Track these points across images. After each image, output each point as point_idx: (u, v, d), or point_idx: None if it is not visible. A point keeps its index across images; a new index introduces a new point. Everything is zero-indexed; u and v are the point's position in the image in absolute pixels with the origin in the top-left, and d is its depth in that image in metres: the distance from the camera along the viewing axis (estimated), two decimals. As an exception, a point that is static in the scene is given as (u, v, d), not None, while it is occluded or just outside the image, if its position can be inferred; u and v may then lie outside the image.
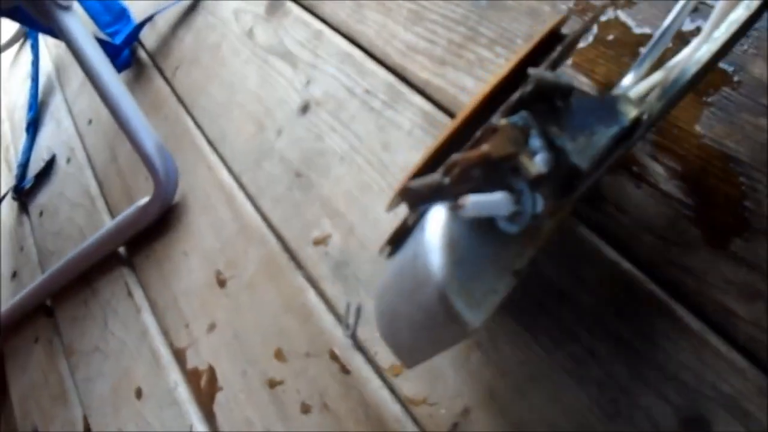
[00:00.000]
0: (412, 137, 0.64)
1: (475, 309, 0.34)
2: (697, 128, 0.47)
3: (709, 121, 0.47)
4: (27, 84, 1.57)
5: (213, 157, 0.87)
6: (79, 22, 0.98)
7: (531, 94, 0.34)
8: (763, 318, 0.41)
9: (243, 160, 0.82)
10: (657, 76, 0.44)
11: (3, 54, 1.88)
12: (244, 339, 0.71)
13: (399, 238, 0.42)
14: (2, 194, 1.44)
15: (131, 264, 0.95)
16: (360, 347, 0.61)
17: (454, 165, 0.31)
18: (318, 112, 0.75)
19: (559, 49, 0.38)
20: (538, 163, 0.33)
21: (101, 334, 0.95)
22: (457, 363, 0.53)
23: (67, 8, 0.98)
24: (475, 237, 0.36)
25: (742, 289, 0.42)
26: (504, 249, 0.36)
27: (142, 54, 1.18)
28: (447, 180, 0.31)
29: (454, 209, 0.31)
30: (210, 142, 0.89)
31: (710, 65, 0.40)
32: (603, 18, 0.55)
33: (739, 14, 0.39)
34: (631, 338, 0.45)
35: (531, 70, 0.34)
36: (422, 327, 0.37)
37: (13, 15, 1.15)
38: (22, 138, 1.46)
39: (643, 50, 0.46)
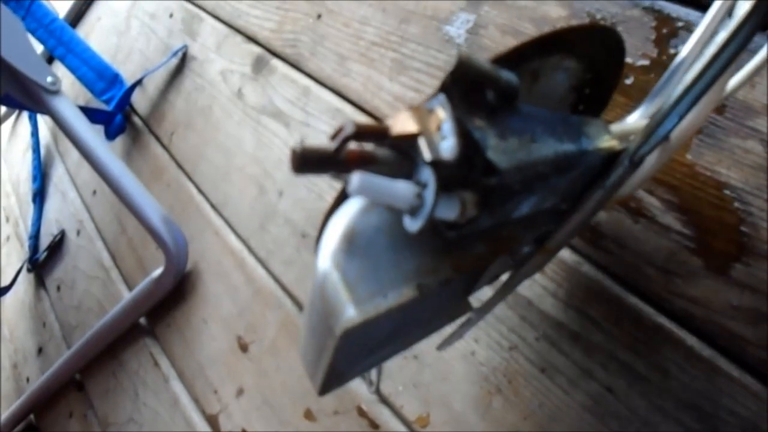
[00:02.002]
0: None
1: (352, 305, 0.30)
2: (688, 157, 0.48)
3: (699, 149, 0.47)
4: (28, 155, 1.59)
5: (219, 222, 0.88)
6: (68, 104, 1.00)
7: (452, 76, 0.29)
8: None
9: (249, 224, 0.83)
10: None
11: (2, 126, 1.90)
12: (273, 401, 0.72)
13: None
14: (18, 269, 1.45)
15: (154, 334, 0.96)
16: (385, 401, 0.62)
17: (341, 130, 0.27)
18: (316, 171, 0.76)
19: (508, 49, 0.33)
20: (442, 149, 0.28)
21: (134, 405, 0.96)
22: (480, 409, 0.54)
23: (55, 92, 0.99)
24: (382, 235, 0.32)
25: (748, 313, 0.43)
26: (414, 257, 0.32)
27: (136, 119, 1.20)
28: (333, 145, 0.27)
29: (346, 185, 0.27)
30: (214, 208, 0.91)
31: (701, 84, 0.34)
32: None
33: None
34: (646, 371, 0.46)
35: (462, 51, 0.30)
36: (310, 327, 0.34)
37: (2, 101, 1.17)
38: (30, 211, 1.47)
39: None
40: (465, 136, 0.29)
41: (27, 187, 1.55)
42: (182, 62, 1.11)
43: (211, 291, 0.87)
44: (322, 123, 0.77)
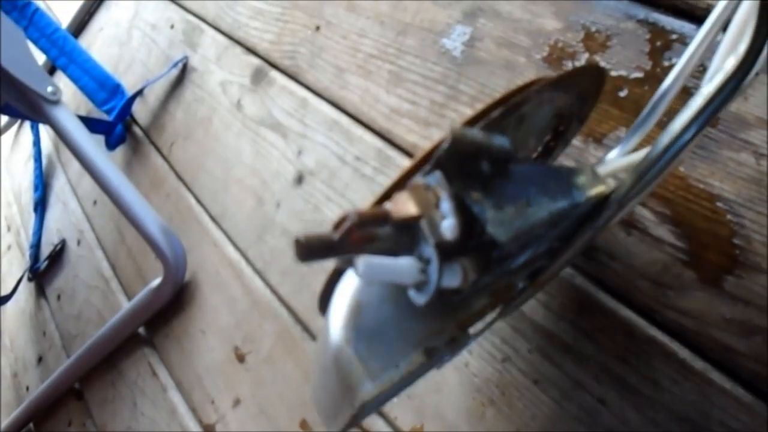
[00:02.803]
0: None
1: (367, 380, 0.32)
2: (681, 169, 0.48)
3: (692, 161, 0.47)
4: (30, 164, 1.60)
5: (217, 234, 0.89)
6: (68, 114, 1.00)
7: (447, 153, 0.30)
8: (763, 352, 0.42)
9: (247, 235, 0.84)
10: (641, 154, 0.40)
11: (3, 136, 1.91)
12: (270, 412, 0.73)
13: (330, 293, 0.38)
14: (19, 278, 1.46)
15: (152, 344, 0.97)
16: (379, 412, 0.62)
17: (343, 220, 0.28)
18: (313, 182, 0.76)
19: (500, 110, 0.33)
20: (444, 229, 0.30)
21: (132, 415, 0.96)
22: (473, 421, 0.54)
23: (55, 102, 1.00)
24: (387, 305, 0.33)
25: (740, 325, 0.43)
26: (420, 323, 0.33)
27: (137, 130, 1.20)
28: (336, 235, 0.28)
29: (353, 269, 0.29)
30: (213, 219, 0.91)
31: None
32: (578, 63, 0.56)
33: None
34: (638, 383, 0.46)
35: (455, 127, 0.31)
36: (325, 389, 0.35)
37: (3, 111, 1.18)
38: (31, 220, 1.48)
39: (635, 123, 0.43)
40: (464, 213, 0.30)
41: (29, 197, 1.56)
42: (183, 73, 1.11)
43: (209, 301, 0.87)
44: (319, 135, 0.77)
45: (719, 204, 0.46)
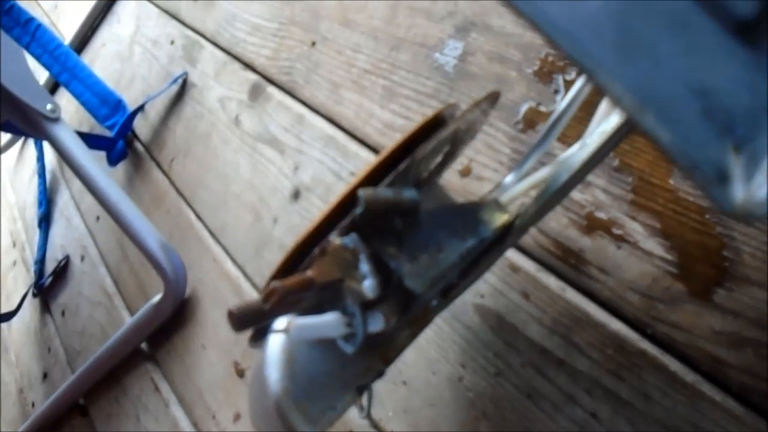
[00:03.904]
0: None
1: (310, 424, 0.34)
2: (671, 182, 0.48)
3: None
4: (34, 181, 1.61)
5: (217, 249, 0.89)
6: (68, 132, 1.01)
7: (362, 216, 0.32)
8: (753, 364, 0.42)
9: (245, 251, 0.84)
10: (540, 175, 0.42)
11: (7, 152, 1.92)
12: (270, 428, 0.73)
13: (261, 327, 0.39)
14: (23, 294, 1.47)
15: (155, 359, 0.97)
16: (376, 426, 0.62)
17: (272, 293, 0.30)
18: (309, 198, 0.77)
19: (406, 162, 0.35)
20: (365, 289, 0.32)
21: (136, 430, 0.96)
22: (468, 435, 0.55)
23: (55, 119, 1.01)
24: (316, 352, 0.35)
25: (730, 337, 0.43)
26: (349, 365, 0.35)
27: (138, 146, 1.21)
28: (267, 306, 0.30)
29: (283, 331, 0.31)
30: (212, 234, 0.92)
31: (586, 170, 0.39)
32: (567, 78, 0.57)
33: (611, 123, 0.37)
34: (630, 396, 0.46)
35: (361, 191, 0.32)
36: (267, 423, 0.37)
37: (3, 128, 1.19)
38: (36, 236, 1.49)
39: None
40: (383, 271, 0.33)
41: (33, 212, 1.57)
42: (182, 89, 1.12)
43: (209, 317, 0.87)
44: (315, 150, 0.78)
45: (708, 216, 0.46)
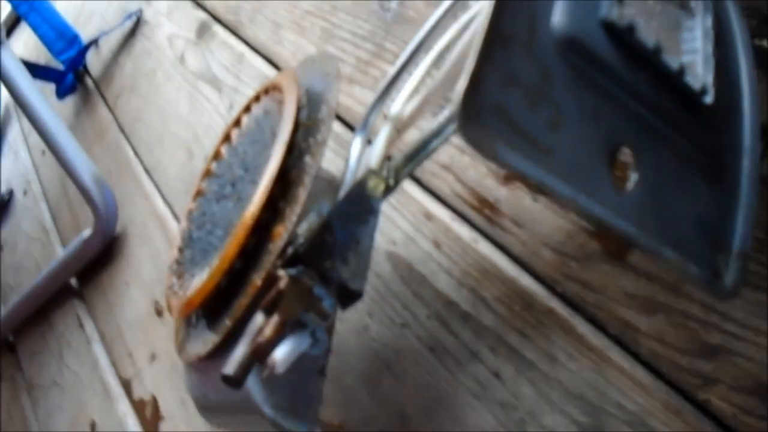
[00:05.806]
0: (324, 160, 0.64)
1: (305, 422, 0.38)
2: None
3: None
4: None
5: (149, 187, 0.87)
6: (11, 57, 0.98)
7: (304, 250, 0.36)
8: (664, 331, 0.40)
9: (175, 189, 0.82)
10: (384, 132, 0.44)
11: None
12: (181, 369, 0.71)
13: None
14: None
15: (81, 295, 0.95)
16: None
17: (260, 350, 0.33)
18: (240, 137, 0.75)
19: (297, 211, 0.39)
20: (327, 309, 0.36)
21: (58, 368, 0.95)
22: (369, 386, 0.53)
23: (-1, 43, 0.98)
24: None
25: (643, 301, 0.41)
26: (306, 359, 0.37)
27: (89, 81, 1.18)
28: (254, 358, 0.33)
29: (270, 371, 0.33)
30: (146, 171, 0.90)
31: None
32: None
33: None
34: (534, 357, 0.44)
35: (285, 272, 0.36)
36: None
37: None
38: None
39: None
40: (332, 286, 0.36)
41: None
42: (136, 26, 1.09)
43: (136, 254, 0.85)
44: (251, 90, 0.76)
45: (627, 174, 0.45)
